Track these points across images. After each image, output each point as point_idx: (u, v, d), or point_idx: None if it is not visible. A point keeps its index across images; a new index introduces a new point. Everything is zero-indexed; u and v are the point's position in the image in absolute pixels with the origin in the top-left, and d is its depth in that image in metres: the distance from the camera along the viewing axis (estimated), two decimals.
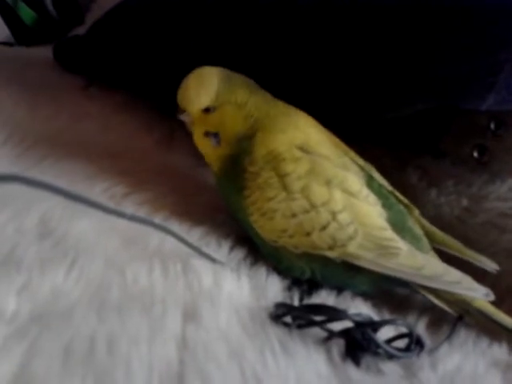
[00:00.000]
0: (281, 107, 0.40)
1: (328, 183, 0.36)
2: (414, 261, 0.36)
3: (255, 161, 0.37)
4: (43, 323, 0.27)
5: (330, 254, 0.36)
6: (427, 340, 0.33)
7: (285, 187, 0.36)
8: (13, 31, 0.98)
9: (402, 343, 0.32)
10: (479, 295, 0.36)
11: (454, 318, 0.37)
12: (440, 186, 0.44)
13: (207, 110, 0.39)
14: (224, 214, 0.43)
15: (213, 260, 0.36)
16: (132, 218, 0.33)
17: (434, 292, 0.36)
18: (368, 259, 0.36)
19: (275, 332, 0.31)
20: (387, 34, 0.40)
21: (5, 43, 0.97)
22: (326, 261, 0.37)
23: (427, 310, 0.38)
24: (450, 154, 0.42)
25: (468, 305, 0.36)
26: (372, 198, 0.37)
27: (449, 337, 0.34)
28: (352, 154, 0.40)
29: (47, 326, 0.27)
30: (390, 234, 0.36)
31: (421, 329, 0.36)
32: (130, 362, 0.26)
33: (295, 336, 0.31)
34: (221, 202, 0.42)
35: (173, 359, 0.27)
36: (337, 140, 0.40)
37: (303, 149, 0.37)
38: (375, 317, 0.35)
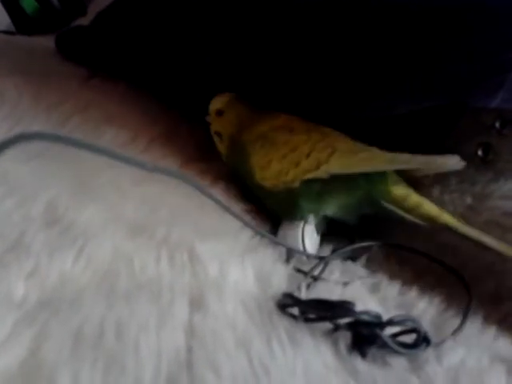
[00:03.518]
0: (266, 112, 0.49)
1: (307, 130, 0.46)
2: (385, 156, 0.42)
3: (252, 141, 0.47)
4: (52, 309, 0.27)
5: (319, 173, 0.43)
6: (432, 333, 0.33)
7: (273, 144, 0.46)
8: (14, 20, 0.97)
9: (408, 338, 0.32)
10: (451, 162, 0.41)
11: (459, 313, 0.37)
12: (444, 184, 0.44)
13: (219, 113, 0.51)
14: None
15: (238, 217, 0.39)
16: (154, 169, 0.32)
17: (405, 209, 0.42)
18: (348, 164, 0.43)
19: (282, 322, 0.31)
20: (398, 32, 0.40)
21: (6, 32, 0.96)
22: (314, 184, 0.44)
23: (433, 303, 0.38)
24: (455, 152, 0.42)
25: (435, 220, 0.41)
26: (343, 135, 0.45)
27: (455, 332, 0.35)
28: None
29: (56, 312, 0.27)
30: (360, 144, 0.44)
31: (426, 322, 0.36)
32: (138, 348, 0.26)
33: (302, 327, 0.31)
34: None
35: (181, 346, 0.27)
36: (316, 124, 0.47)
37: (284, 124, 0.47)
38: (382, 310, 0.35)
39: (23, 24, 0.96)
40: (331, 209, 0.44)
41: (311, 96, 0.47)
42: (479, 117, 0.44)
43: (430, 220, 0.42)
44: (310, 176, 0.44)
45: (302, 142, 0.45)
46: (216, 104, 0.51)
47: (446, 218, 0.41)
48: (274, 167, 0.45)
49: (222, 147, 0.51)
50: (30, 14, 0.96)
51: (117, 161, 0.28)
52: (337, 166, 0.43)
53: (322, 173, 0.43)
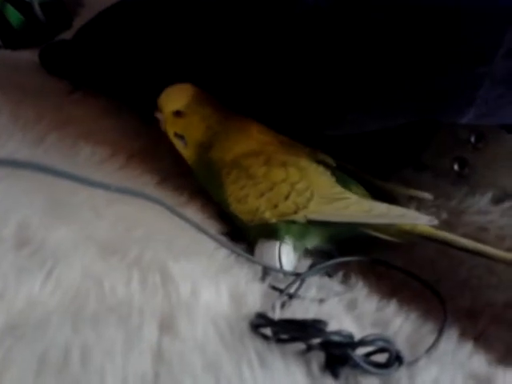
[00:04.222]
0: (237, 121, 0.48)
1: (284, 164, 0.45)
2: (363, 206, 0.43)
3: (225, 165, 0.46)
4: (18, 334, 0.26)
5: (297, 217, 0.43)
6: (406, 351, 0.33)
7: (250, 176, 0.45)
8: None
9: (382, 357, 0.31)
10: (424, 222, 0.41)
11: (435, 329, 0.37)
12: (420, 199, 0.44)
13: (177, 114, 0.48)
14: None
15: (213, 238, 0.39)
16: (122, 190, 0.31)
17: (381, 229, 0.43)
18: (326, 212, 0.43)
19: (253, 344, 0.31)
20: (370, 47, 0.40)
21: None
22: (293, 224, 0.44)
23: (409, 319, 0.38)
24: (431, 167, 0.43)
25: (410, 233, 0.42)
26: (321, 168, 0.45)
27: (429, 350, 0.34)
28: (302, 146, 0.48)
29: (21, 336, 0.26)
30: (339, 189, 0.44)
31: (400, 340, 0.36)
32: (104, 374, 0.25)
33: (274, 348, 0.31)
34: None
35: (148, 372, 0.26)
36: (289, 140, 0.48)
37: (258, 149, 0.46)
38: (357, 327, 0.35)
39: (9, 38, 0.96)
40: (313, 242, 0.45)
41: (283, 110, 0.47)
42: (455, 131, 0.44)
43: (407, 234, 0.42)
44: (287, 218, 0.44)
45: (279, 179, 0.44)
46: (173, 104, 0.48)
47: (423, 228, 0.42)
48: (251, 204, 0.45)
49: (185, 152, 0.49)
50: (15, 28, 0.96)
51: (81, 184, 0.28)
52: (315, 213, 0.43)
53: (300, 217, 0.43)
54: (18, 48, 0.89)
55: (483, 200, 0.42)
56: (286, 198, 0.43)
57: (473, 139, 0.43)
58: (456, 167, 0.43)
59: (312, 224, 0.43)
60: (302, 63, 0.43)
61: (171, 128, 0.49)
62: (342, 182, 0.45)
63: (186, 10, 0.54)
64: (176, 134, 0.49)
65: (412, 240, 0.42)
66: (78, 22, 0.82)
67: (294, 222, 0.44)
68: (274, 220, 0.44)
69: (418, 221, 0.42)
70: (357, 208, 0.42)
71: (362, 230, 0.43)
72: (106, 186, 0.29)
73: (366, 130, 0.44)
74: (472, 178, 0.43)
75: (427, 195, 0.44)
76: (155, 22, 0.57)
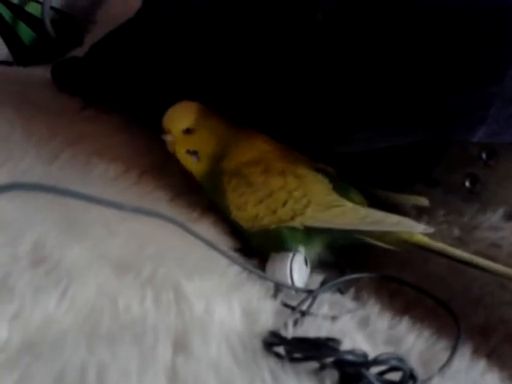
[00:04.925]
0: (243, 132, 0.49)
1: (282, 173, 0.46)
2: (358, 213, 0.43)
3: (227, 173, 0.48)
4: (35, 352, 0.27)
5: (294, 223, 0.44)
6: (419, 369, 0.33)
7: (249, 184, 0.46)
8: (12, 50, 0.99)
9: (396, 375, 0.31)
10: (419, 230, 0.42)
11: (448, 347, 0.37)
12: (431, 215, 0.44)
13: (188, 131, 0.49)
14: None
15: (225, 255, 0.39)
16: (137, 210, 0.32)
17: (377, 237, 0.43)
18: (322, 219, 0.44)
19: (267, 362, 0.31)
20: (380, 68, 0.40)
21: (3, 62, 0.97)
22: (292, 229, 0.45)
23: (422, 336, 0.38)
24: (442, 183, 0.43)
25: (406, 242, 0.43)
26: (319, 176, 0.46)
27: (442, 368, 0.34)
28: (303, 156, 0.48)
29: (38, 355, 0.27)
30: (335, 197, 0.45)
31: (413, 358, 0.36)
32: None
33: (287, 367, 0.31)
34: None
35: None
36: (291, 150, 0.49)
37: (259, 158, 0.47)
38: (370, 346, 0.35)
39: (21, 54, 0.98)
40: (313, 248, 0.45)
41: (294, 127, 0.47)
42: (466, 148, 0.44)
43: (403, 242, 0.43)
44: (285, 225, 0.45)
45: (277, 187, 0.45)
46: (182, 123, 0.49)
47: (419, 237, 0.42)
48: (250, 211, 0.46)
49: (196, 167, 0.50)
50: (27, 44, 0.97)
51: (95, 204, 0.28)
52: (311, 219, 0.44)
53: (297, 223, 0.44)
54: (29, 64, 0.90)
55: (495, 216, 0.42)
56: (284, 204, 0.45)
57: (484, 156, 0.43)
58: (467, 184, 0.43)
59: (310, 230, 0.44)
60: (313, 81, 0.44)
61: (182, 146, 0.49)
62: (341, 189, 0.45)
63: (199, 27, 0.54)
64: (188, 151, 0.49)
65: (408, 248, 0.43)
66: (90, 39, 0.83)
67: (293, 228, 0.45)
68: (273, 226, 0.45)
69: (414, 229, 0.42)
70: (353, 215, 0.43)
71: (358, 237, 0.44)
72: (120, 206, 0.30)
73: (375, 148, 0.44)
74: (483, 195, 0.43)
75: (425, 201, 0.45)
76: (166, 39, 0.58)
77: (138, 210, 0.31)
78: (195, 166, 0.50)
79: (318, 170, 0.47)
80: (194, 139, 0.49)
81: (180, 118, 0.49)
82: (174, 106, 0.49)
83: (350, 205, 0.44)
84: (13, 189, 0.28)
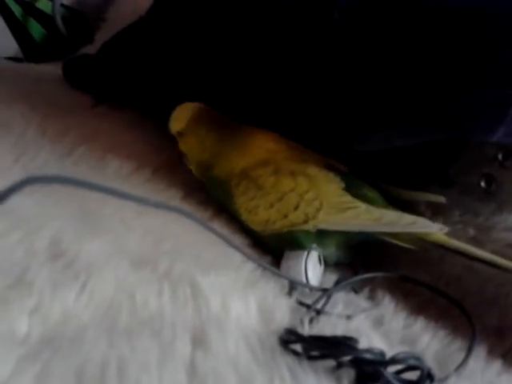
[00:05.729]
0: (241, 133, 0.48)
1: (292, 173, 0.45)
2: (372, 214, 0.42)
3: (234, 177, 0.47)
4: (55, 346, 0.27)
5: (307, 227, 0.43)
6: (435, 369, 0.33)
7: (259, 187, 0.45)
8: (22, 47, 0.99)
9: (413, 374, 0.31)
10: (435, 229, 0.41)
11: (463, 346, 0.37)
12: (447, 215, 0.44)
13: (179, 134, 0.50)
14: None
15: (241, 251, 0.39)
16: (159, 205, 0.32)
17: (393, 235, 0.43)
18: (336, 222, 0.43)
19: (285, 360, 0.31)
20: (401, 65, 0.40)
21: (14, 58, 0.98)
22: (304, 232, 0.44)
23: (437, 336, 0.38)
24: (458, 183, 0.43)
25: (423, 240, 0.42)
26: (330, 175, 0.45)
27: (459, 367, 0.34)
28: (312, 153, 0.48)
29: (58, 349, 0.27)
30: (348, 198, 0.43)
31: (429, 358, 0.36)
32: None
33: (305, 364, 0.31)
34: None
35: None
36: (299, 147, 0.48)
37: (267, 159, 0.46)
38: (386, 345, 0.35)
39: (31, 51, 0.98)
40: (327, 248, 0.45)
41: (311, 126, 0.47)
42: (482, 148, 0.44)
43: (420, 241, 0.42)
44: (297, 228, 0.44)
45: (288, 189, 0.44)
46: (176, 125, 0.50)
47: (436, 236, 0.42)
48: (262, 215, 0.45)
49: (193, 169, 0.51)
50: (37, 41, 0.98)
51: (121, 199, 0.28)
52: (324, 222, 0.43)
53: (310, 227, 0.44)
54: (40, 61, 0.90)
55: (511, 217, 0.42)
56: (296, 208, 0.44)
57: (500, 157, 0.43)
58: (483, 184, 0.43)
59: (323, 231, 0.44)
60: (332, 80, 0.44)
61: (179, 146, 0.51)
62: (354, 187, 0.45)
63: (212, 25, 0.55)
64: (182, 153, 0.51)
65: (424, 247, 0.42)
66: (100, 37, 0.84)
67: (306, 230, 0.44)
68: (285, 230, 0.44)
69: (429, 229, 0.42)
70: (367, 217, 0.42)
71: (374, 236, 0.44)
72: (142, 200, 0.30)
73: (393, 146, 0.44)
74: (499, 195, 0.43)
75: (441, 198, 0.44)
76: (179, 36, 0.58)
77: (159, 205, 0.31)
78: (192, 168, 0.51)
79: (328, 167, 0.46)
80: (184, 143, 0.51)
81: (174, 120, 0.50)
82: (178, 106, 0.50)
83: (363, 206, 0.43)
84: (28, 183, 0.28)
